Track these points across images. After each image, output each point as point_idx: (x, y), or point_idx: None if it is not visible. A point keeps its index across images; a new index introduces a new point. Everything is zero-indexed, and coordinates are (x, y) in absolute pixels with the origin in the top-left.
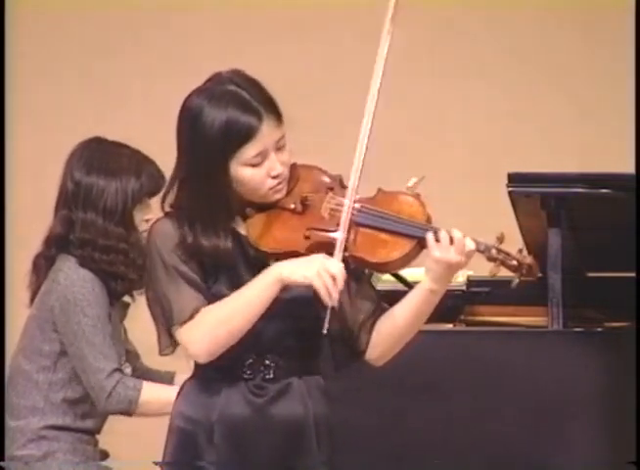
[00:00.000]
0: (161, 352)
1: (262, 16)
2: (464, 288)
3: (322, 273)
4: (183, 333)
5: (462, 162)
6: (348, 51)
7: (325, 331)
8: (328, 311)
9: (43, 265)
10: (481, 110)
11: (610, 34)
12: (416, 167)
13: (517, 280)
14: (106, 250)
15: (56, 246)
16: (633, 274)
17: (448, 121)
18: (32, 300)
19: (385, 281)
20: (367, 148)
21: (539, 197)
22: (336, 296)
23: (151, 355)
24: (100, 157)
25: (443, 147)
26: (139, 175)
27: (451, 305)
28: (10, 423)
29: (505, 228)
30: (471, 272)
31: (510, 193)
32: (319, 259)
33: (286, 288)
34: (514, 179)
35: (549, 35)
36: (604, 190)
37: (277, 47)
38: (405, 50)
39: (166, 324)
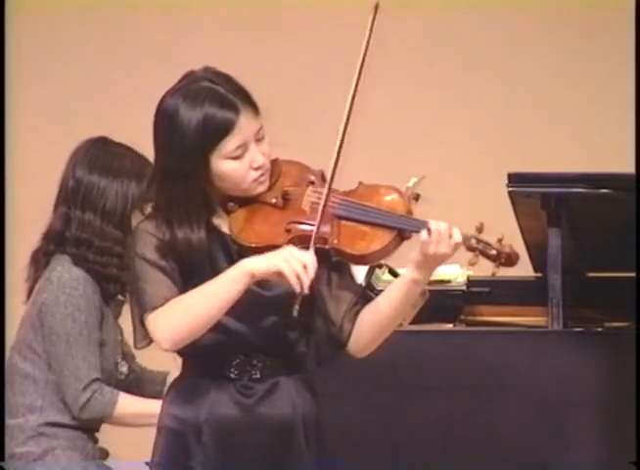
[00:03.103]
0: (137, 346)
1: (261, 16)
2: (464, 288)
3: (290, 260)
4: (151, 320)
5: (462, 161)
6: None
7: (295, 314)
8: (298, 297)
9: (41, 260)
10: (482, 109)
11: (610, 34)
12: (416, 167)
13: (497, 269)
14: (100, 251)
15: (55, 242)
16: (633, 274)
17: (448, 121)
18: (29, 295)
19: (385, 281)
20: (345, 135)
21: (539, 197)
22: (306, 282)
23: (146, 354)
24: (104, 157)
25: (443, 147)
26: (140, 180)
27: (451, 305)
28: (8, 421)
29: (505, 228)
30: (471, 272)
31: (510, 193)
32: (287, 249)
33: (270, 286)
34: (514, 179)
35: (549, 36)
36: (604, 190)
37: (277, 47)
38: (405, 49)
39: (139, 313)
